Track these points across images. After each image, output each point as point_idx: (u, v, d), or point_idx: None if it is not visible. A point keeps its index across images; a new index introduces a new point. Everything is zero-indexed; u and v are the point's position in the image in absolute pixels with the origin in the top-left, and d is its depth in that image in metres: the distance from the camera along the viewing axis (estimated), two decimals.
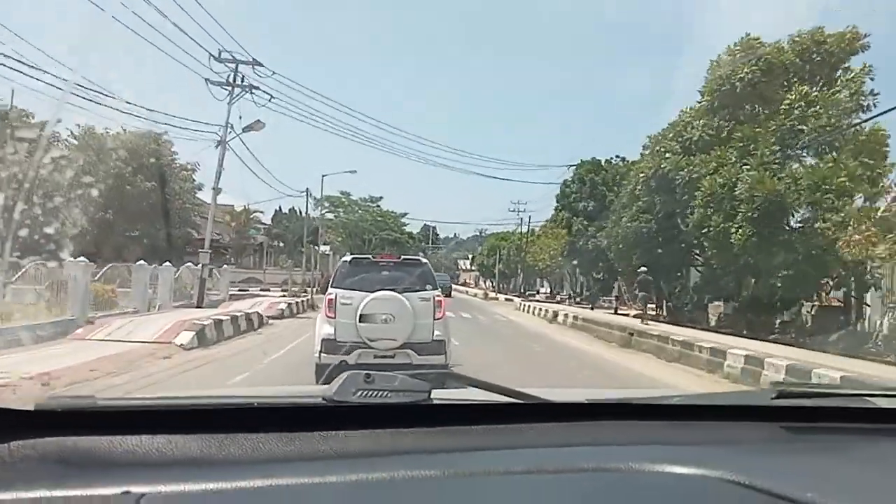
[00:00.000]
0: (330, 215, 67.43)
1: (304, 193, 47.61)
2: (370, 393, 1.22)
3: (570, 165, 42.70)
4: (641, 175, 21.22)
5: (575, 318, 23.44)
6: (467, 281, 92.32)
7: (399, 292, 8.51)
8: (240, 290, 37.80)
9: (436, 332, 8.67)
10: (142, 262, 20.62)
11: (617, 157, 31.83)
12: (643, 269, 21.59)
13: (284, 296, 27.58)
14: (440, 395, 1.34)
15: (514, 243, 55.63)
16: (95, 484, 1.03)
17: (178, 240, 38.76)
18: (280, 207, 54.31)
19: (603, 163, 31.35)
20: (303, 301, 25.89)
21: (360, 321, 8.32)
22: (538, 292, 52.29)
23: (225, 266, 27.81)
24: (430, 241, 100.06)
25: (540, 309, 30.86)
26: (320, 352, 8.42)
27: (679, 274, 24.14)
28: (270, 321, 19.57)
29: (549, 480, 1.11)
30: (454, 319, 24.94)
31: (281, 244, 52.22)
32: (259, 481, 1.05)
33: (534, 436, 1.28)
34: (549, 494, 1.08)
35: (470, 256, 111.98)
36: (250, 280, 45.70)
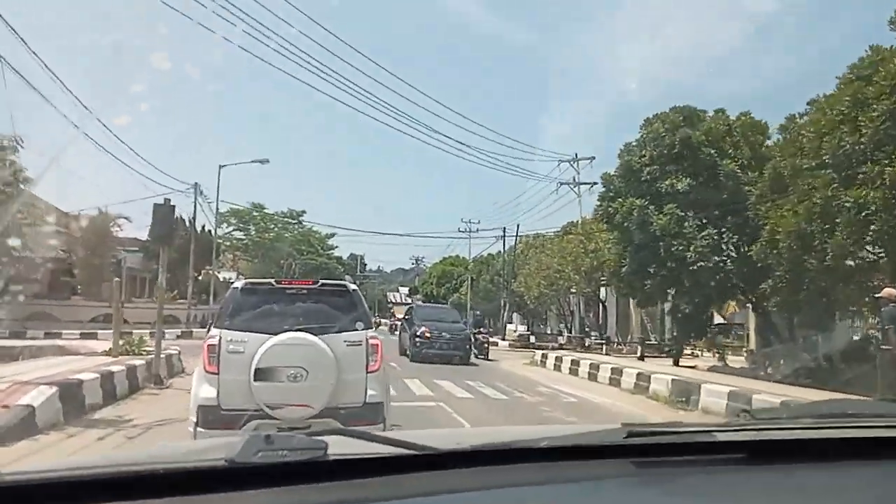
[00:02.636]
0: (239, 234, 52.65)
1: (193, 189, 33.33)
2: (270, 453, 1.25)
3: (571, 160, 30.85)
4: None
5: None
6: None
7: (315, 333, 6.01)
8: (74, 338, 23.29)
9: (370, 392, 6.20)
10: None
11: (702, 110, 19.20)
12: (891, 290, 10.79)
13: (108, 353, 13.13)
14: (336, 452, 1.34)
15: (487, 264, 42.61)
16: None
17: None
18: None
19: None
20: (142, 365, 11.64)
21: (255, 378, 5.77)
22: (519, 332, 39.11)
23: None
24: (359, 271, 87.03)
25: (597, 368, 17.21)
26: (196, 425, 5.91)
27: None
28: None
29: None
30: (475, 402, 11.92)
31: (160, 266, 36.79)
32: None
33: (412, 486, 1.33)
34: None
35: (402, 289, 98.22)
36: (106, 319, 30.60)
